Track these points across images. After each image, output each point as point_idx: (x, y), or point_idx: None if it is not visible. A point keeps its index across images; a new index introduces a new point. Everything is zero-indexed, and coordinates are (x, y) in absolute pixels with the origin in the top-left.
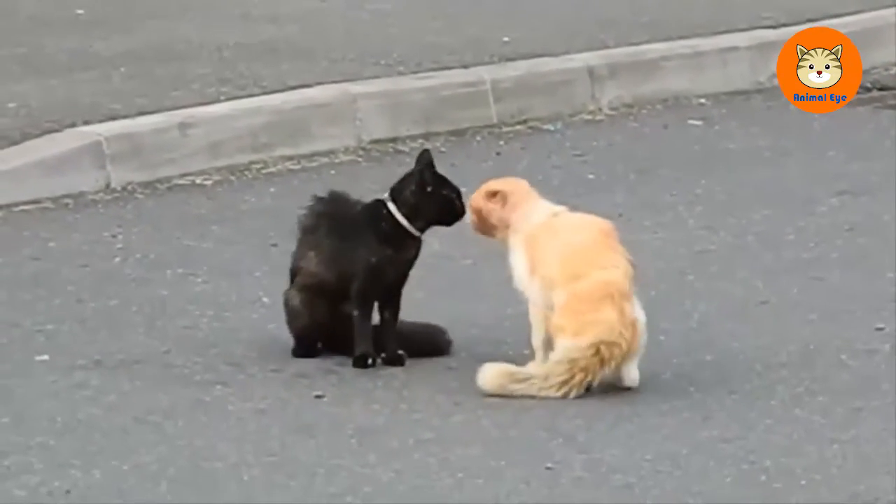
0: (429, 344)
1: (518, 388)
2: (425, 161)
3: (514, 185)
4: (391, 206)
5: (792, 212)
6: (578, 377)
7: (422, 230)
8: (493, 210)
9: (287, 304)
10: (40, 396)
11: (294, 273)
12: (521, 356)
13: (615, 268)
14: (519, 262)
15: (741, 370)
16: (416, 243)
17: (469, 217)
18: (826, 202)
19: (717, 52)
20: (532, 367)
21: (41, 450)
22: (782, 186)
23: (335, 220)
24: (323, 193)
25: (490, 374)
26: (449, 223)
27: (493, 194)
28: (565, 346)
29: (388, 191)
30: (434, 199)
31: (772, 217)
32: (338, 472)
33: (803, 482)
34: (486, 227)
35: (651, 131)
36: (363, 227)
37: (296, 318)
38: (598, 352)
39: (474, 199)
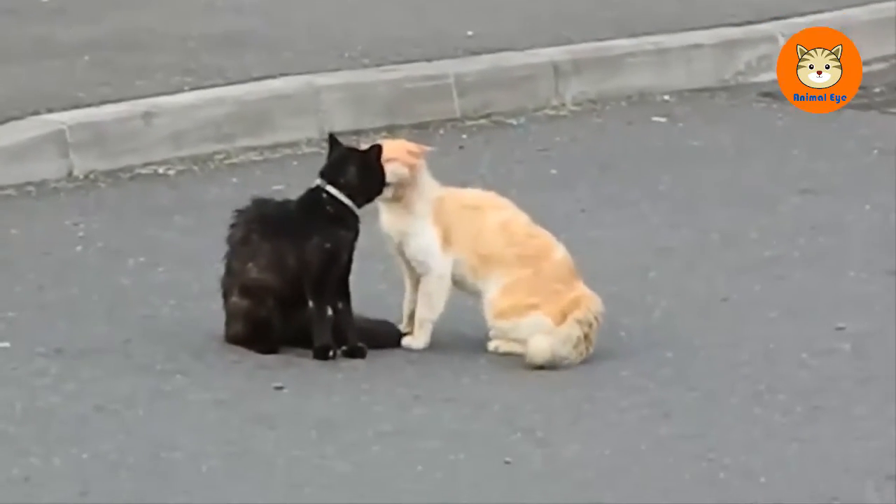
0: (378, 338)
1: (568, 352)
2: (337, 143)
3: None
4: (332, 189)
5: (755, 210)
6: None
7: (360, 207)
8: (420, 167)
9: (235, 311)
10: (0, 383)
11: (228, 289)
12: (481, 344)
13: (559, 244)
14: (429, 232)
15: (702, 367)
16: (358, 222)
17: (395, 174)
18: (789, 201)
19: (681, 50)
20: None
21: (0, 437)
22: (745, 185)
23: (267, 223)
24: (243, 204)
25: (543, 346)
26: (380, 195)
27: (417, 149)
28: (574, 318)
29: (321, 176)
30: (375, 178)
31: (734, 215)
32: (297, 463)
33: (763, 480)
34: (407, 182)
35: (615, 128)
36: (307, 218)
37: (249, 315)
38: (597, 321)
39: (402, 157)
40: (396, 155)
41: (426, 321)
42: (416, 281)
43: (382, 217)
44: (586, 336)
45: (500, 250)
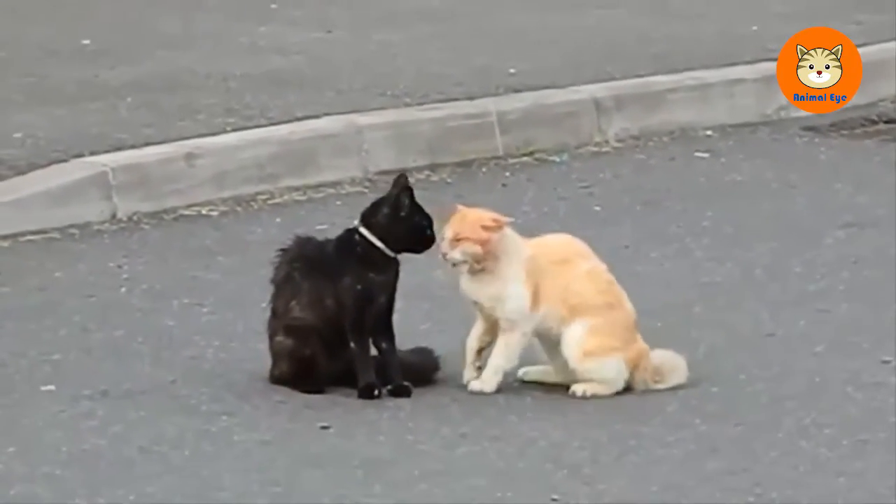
0: (419, 367)
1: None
2: (402, 185)
3: (493, 213)
4: (364, 231)
5: (798, 244)
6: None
7: (397, 252)
8: (497, 239)
9: (280, 351)
10: (46, 426)
11: (273, 329)
12: (527, 382)
13: (626, 297)
14: (523, 295)
15: (747, 402)
16: (395, 264)
17: (466, 253)
18: (832, 235)
19: (723, 85)
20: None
21: (47, 480)
22: (789, 219)
23: (308, 262)
24: (286, 244)
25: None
26: (419, 251)
27: (493, 223)
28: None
29: (360, 217)
30: (406, 224)
31: (778, 249)
32: (343, 503)
33: None
34: (484, 257)
35: (657, 163)
36: (340, 258)
37: (293, 354)
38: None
39: (473, 235)
40: (468, 234)
41: (501, 368)
42: (492, 324)
43: (464, 283)
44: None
45: (590, 298)
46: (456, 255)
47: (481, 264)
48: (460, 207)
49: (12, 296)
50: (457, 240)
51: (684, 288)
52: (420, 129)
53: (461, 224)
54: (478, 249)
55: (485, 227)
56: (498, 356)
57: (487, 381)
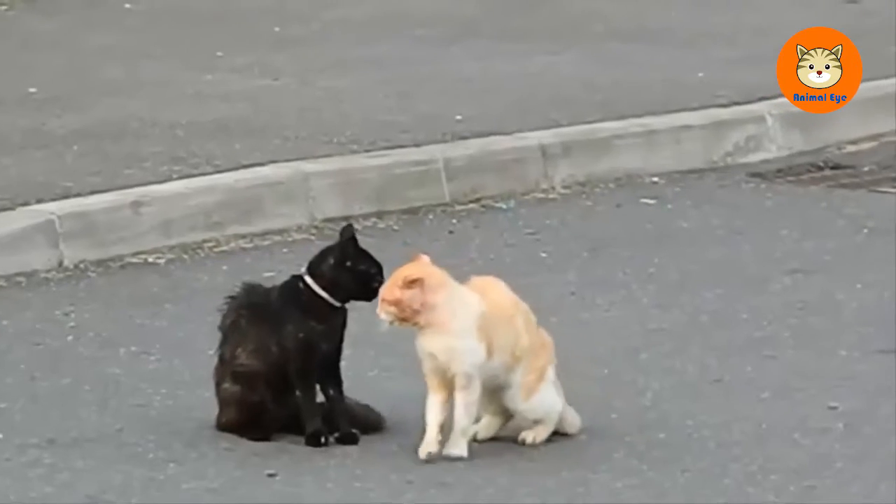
0: (363, 421)
1: None
2: (348, 235)
3: (428, 269)
4: (308, 280)
5: (745, 290)
6: None
7: (343, 302)
8: (415, 296)
9: (227, 398)
10: None
11: (220, 376)
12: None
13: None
14: (476, 348)
15: (694, 448)
16: (341, 313)
17: (386, 313)
18: (779, 281)
19: (669, 131)
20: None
21: None
22: (735, 265)
23: (254, 309)
24: (234, 291)
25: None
26: (368, 298)
27: (410, 282)
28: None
29: (307, 265)
30: (353, 274)
31: (725, 295)
32: None
33: None
34: (408, 315)
35: (604, 209)
36: (284, 306)
37: (240, 401)
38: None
39: (389, 293)
40: (385, 295)
41: (468, 429)
42: (447, 391)
43: (419, 338)
44: None
45: (528, 345)
46: (382, 316)
47: (412, 320)
48: (422, 257)
49: None
50: (383, 300)
51: (630, 334)
52: (366, 176)
53: (387, 285)
54: (392, 310)
55: (399, 287)
56: (462, 417)
57: (460, 444)
